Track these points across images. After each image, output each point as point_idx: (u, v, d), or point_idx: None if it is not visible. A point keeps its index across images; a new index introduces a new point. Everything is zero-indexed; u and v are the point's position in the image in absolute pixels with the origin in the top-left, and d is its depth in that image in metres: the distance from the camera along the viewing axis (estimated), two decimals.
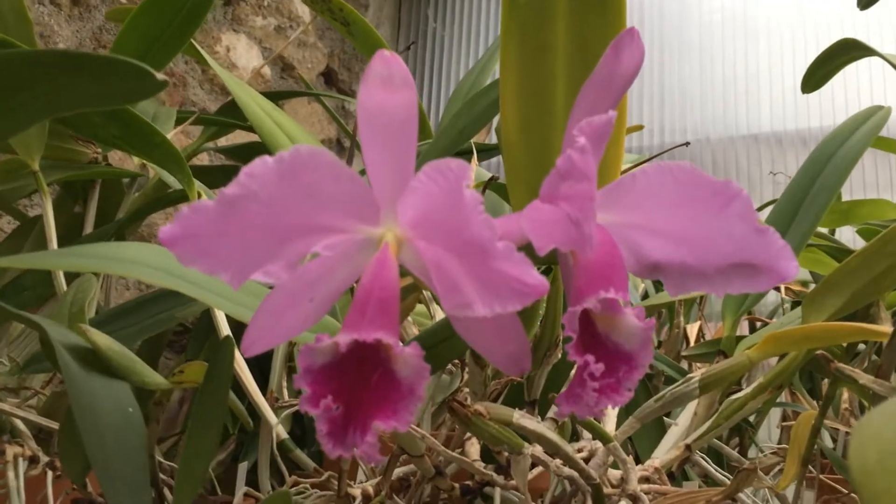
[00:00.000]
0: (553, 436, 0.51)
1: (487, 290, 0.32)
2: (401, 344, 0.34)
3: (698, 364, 1.31)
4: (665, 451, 0.65)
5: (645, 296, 1.30)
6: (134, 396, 0.54)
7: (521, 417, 0.49)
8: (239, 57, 1.71)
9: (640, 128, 1.11)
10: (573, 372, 0.37)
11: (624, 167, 0.79)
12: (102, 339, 0.51)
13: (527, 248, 0.37)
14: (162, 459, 0.83)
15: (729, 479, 0.82)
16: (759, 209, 1.50)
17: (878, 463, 0.23)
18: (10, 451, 0.61)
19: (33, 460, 0.63)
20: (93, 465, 0.44)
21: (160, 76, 0.34)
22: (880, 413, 0.26)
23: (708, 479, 0.83)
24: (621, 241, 0.40)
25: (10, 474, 0.58)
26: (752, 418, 1.15)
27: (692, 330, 1.32)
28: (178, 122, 0.88)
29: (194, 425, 0.46)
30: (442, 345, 0.55)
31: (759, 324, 1.42)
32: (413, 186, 0.35)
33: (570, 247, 0.34)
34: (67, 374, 0.45)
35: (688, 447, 0.61)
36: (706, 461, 0.83)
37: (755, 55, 1.74)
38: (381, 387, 0.35)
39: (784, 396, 1.24)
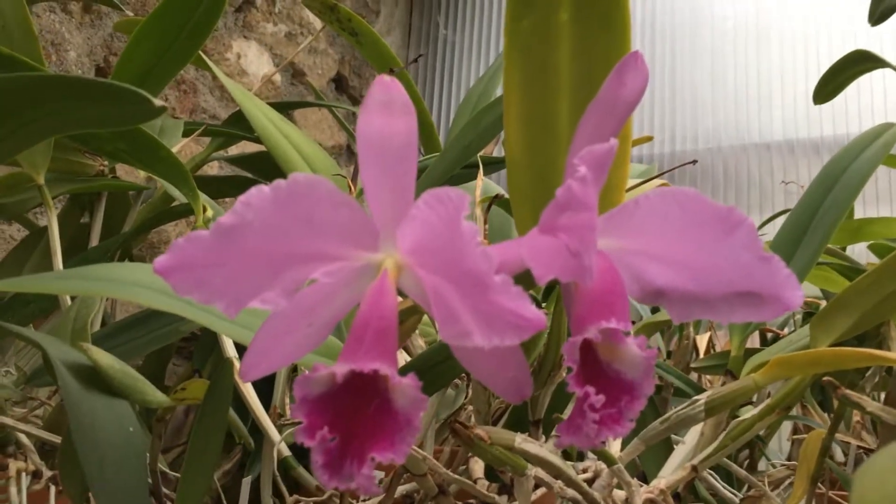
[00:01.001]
0: (556, 459, 0.50)
1: (485, 322, 0.32)
2: (397, 375, 0.34)
3: (708, 377, 1.30)
4: (671, 471, 0.65)
5: (655, 309, 1.29)
6: (136, 415, 0.54)
7: (523, 442, 0.48)
8: (249, 64, 1.71)
9: (649, 139, 1.10)
10: (573, 402, 0.37)
11: (631, 183, 0.79)
12: (104, 358, 0.51)
13: (528, 275, 0.37)
14: (167, 470, 0.83)
15: (737, 496, 0.82)
16: (771, 218, 1.48)
17: None
18: (14, 465, 0.61)
19: (36, 475, 0.63)
20: (90, 487, 0.44)
21: (158, 102, 0.34)
22: (884, 458, 0.25)
23: (716, 495, 0.82)
24: (624, 268, 0.39)
25: (13, 489, 0.58)
26: (761, 432, 1.13)
27: (702, 341, 1.31)
28: (186, 133, 0.88)
29: (195, 443, 0.46)
30: (443, 364, 0.54)
31: (769, 335, 1.41)
32: (412, 214, 0.35)
33: (570, 277, 0.34)
34: (67, 394, 0.45)
35: (694, 468, 0.60)
36: (714, 478, 0.82)
37: (767, 62, 1.73)
38: (378, 417, 0.34)
39: (795, 409, 1.23)
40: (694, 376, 1.23)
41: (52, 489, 0.64)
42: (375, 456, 0.33)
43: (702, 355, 1.27)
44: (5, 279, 0.42)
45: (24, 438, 0.67)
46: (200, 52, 0.81)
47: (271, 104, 0.94)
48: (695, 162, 0.63)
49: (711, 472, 0.79)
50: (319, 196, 0.34)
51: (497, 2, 2.17)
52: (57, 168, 0.73)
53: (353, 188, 0.62)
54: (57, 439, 0.65)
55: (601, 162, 0.35)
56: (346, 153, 1.96)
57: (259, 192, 0.33)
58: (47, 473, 0.64)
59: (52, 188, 0.70)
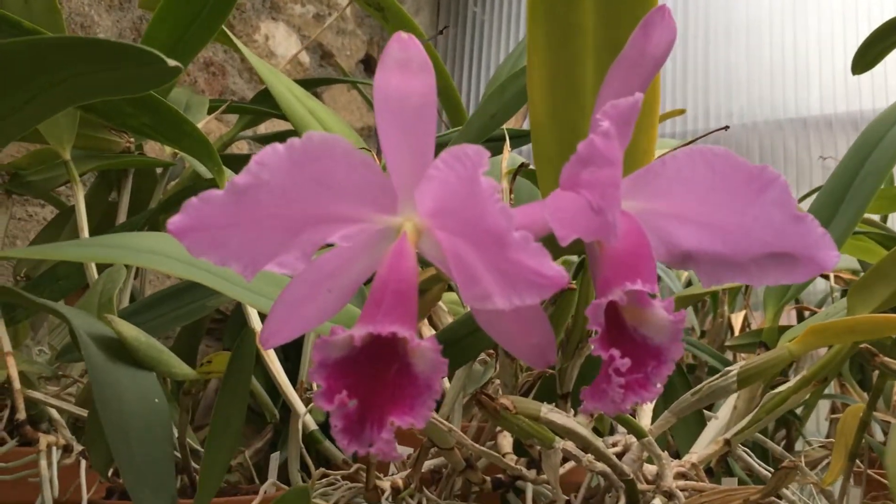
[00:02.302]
0: (583, 430, 0.49)
1: (505, 281, 0.31)
2: (417, 337, 0.33)
3: (742, 355, 1.28)
4: (704, 446, 0.63)
5: (688, 283, 1.27)
6: (161, 387, 0.54)
7: (549, 412, 0.47)
8: (278, 45, 1.71)
9: (681, 112, 1.08)
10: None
11: (661, 152, 0.77)
12: (129, 330, 0.51)
13: (551, 238, 0.35)
14: (198, 447, 0.83)
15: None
16: (809, 194, 1.45)
17: None
18: (44, 440, 0.61)
19: (66, 449, 0.63)
20: (115, 456, 0.44)
21: (171, 62, 0.33)
22: None
23: (752, 474, 0.81)
24: (651, 230, 0.38)
25: (43, 463, 0.59)
26: (799, 410, 1.11)
27: (737, 319, 1.29)
28: (212, 110, 0.87)
29: (217, 415, 0.46)
30: (470, 336, 0.54)
31: (807, 313, 1.38)
32: (430, 174, 0.34)
33: (594, 236, 0.33)
34: (91, 365, 0.45)
35: (727, 442, 0.59)
36: (749, 456, 0.81)
37: (804, 35, 1.68)
38: (397, 381, 0.34)
39: (833, 388, 1.20)
40: (729, 355, 1.21)
41: (83, 463, 0.64)
42: (395, 420, 0.32)
43: (737, 333, 1.25)
44: (29, 247, 0.42)
45: (55, 414, 0.68)
46: (227, 31, 0.81)
47: (298, 81, 0.93)
48: (727, 128, 0.61)
49: (747, 449, 0.78)
50: (335, 155, 0.33)
51: None
52: (84, 145, 0.73)
53: (377, 161, 0.61)
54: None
55: (626, 117, 0.33)
56: (376, 136, 1.96)
57: (274, 151, 0.32)
58: (77, 448, 0.64)
59: (78, 165, 0.70)
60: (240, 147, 1.43)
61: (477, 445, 0.53)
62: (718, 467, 0.64)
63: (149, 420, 0.48)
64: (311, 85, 1.14)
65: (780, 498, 0.58)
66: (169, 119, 0.65)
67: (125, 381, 0.48)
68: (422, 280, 0.46)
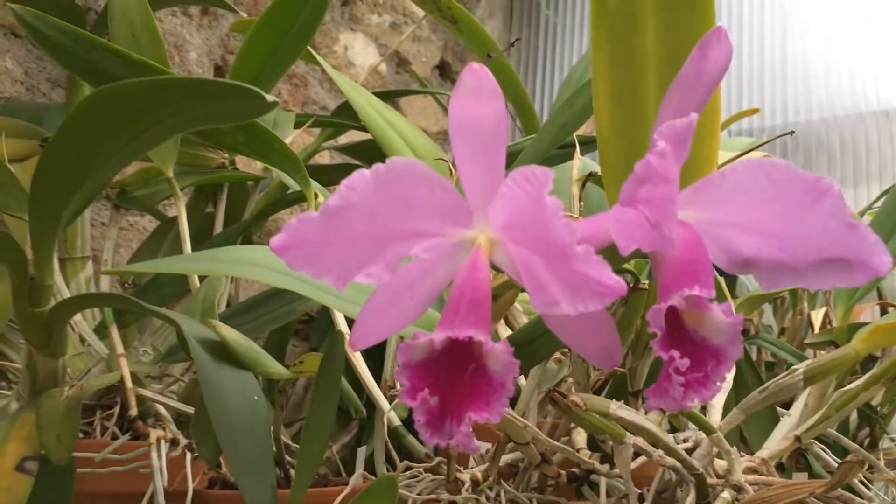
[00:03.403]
0: (652, 426, 0.52)
1: (570, 290, 0.34)
2: (491, 341, 0.36)
3: (822, 352, 1.27)
4: (776, 443, 0.65)
5: None
6: (260, 386, 0.59)
7: (618, 409, 0.50)
8: (356, 55, 1.77)
9: (755, 111, 1.08)
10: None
11: (731, 155, 0.78)
12: (230, 333, 0.56)
13: (614, 247, 0.38)
14: (290, 442, 0.89)
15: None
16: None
17: None
18: (154, 434, 0.67)
19: (174, 443, 0.69)
20: (223, 447, 0.49)
21: (270, 98, 0.37)
22: None
23: (832, 471, 0.81)
24: (711, 238, 0.41)
25: (154, 455, 0.64)
26: (883, 409, 1.10)
27: (817, 316, 1.27)
28: (298, 125, 0.93)
29: (311, 412, 0.50)
30: (542, 337, 0.57)
31: (892, 309, 1.35)
32: (502, 192, 0.37)
33: (652, 247, 0.36)
34: (199, 366, 0.50)
35: (797, 438, 0.60)
36: (826, 452, 0.81)
37: (885, 24, 1.64)
38: (474, 380, 0.37)
39: None
40: (810, 353, 1.20)
41: (188, 455, 0.70)
42: (472, 415, 0.36)
43: (816, 331, 1.24)
44: (143, 262, 0.47)
45: (162, 410, 0.74)
46: (308, 47, 0.86)
47: (376, 93, 0.98)
48: (792, 133, 0.62)
49: (825, 447, 0.78)
50: (416, 178, 0.37)
51: None
52: (183, 162, 0.79)
53: (453, 172, 0.64)
54: (190, 410, 0.71)
55: (681, 136, 0.36)
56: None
57: (361, 176, 0.36)
58: (183, 441, 0.70)
59: (179, 181, 0.76)
60: (322, 156, 1.49)
61: (551, 440, 0.56)
62: (791, 463, 0.65)
63: (249, 416, 0.53)
64: (390, 96, 1.19)
65: (858, 495, 0.59)
66: (260, 137, 0.70)
67: (227, 380, 0.53)
68: (495, 286, 0.50)
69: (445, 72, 2.05)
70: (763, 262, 0.40)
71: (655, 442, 0.53)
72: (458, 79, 0.39)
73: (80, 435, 0.80)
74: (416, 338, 0.37)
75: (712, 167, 0.50)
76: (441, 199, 0.38)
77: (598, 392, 0.74)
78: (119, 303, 0.61)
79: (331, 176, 0.98)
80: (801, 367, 0.54)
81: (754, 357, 1.18)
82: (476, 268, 0.38)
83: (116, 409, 0.80)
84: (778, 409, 0.80)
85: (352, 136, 1.31)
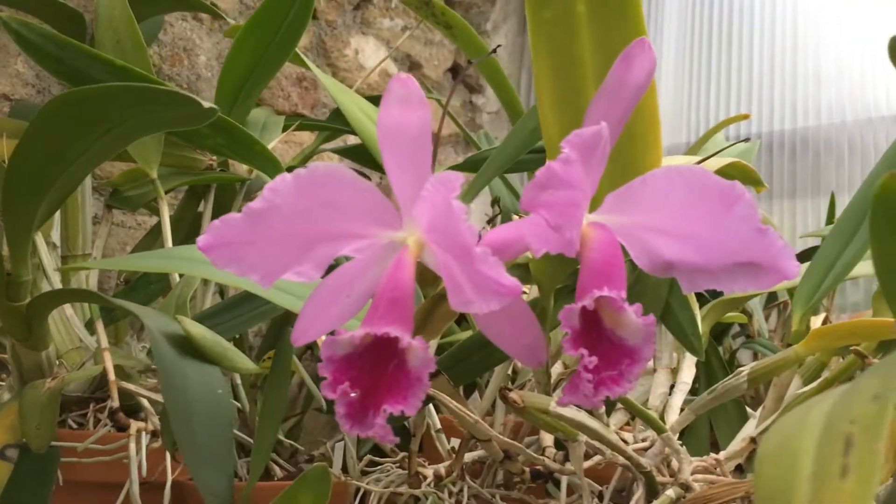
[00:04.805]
0: (595, 424, 0.53)
1: (476, 289, 0.36)
2: (408, 338, 0.38)
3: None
4: (736, 444, 0.66)
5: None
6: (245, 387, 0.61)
7: (557, 405, 0.52)
8: (367, 59, 1.79)
9: (746, 117, 1.09)
10: None
11: (725, 161, 0.79)
12: (196, 329, 0.59)
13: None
14: (283, 438, 0.91)
15: None
16: None
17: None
18: (134, 425, 0.69)
19: (155, 434, 0.71)
20: (177, 439, 0.51)
21: (206, 105, 0.40)
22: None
23: None
24: (633, 241, 0.42)
25: (132, 446, 0.67)
26: None
27: (816, 322, 1.27)
28: (286, 129, 0.95)
29: (263, 406, 0.53)
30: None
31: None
32: (422, 196, 0.39)
33: (557, 250, 0.37)
34: (159, 358, 0.53)
35: (752, 440, 0.61)
36: None
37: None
38: (394, 375, 0.39)
39: None
40: None
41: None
42: (387, 408, 0.38)
43: None
44: (108, 259, 0.49)
45: (146, 403, 0.76)
46: (298, 51, 0.88)
47: (372, 97, 1.00)
48: (748, 140, 0.63)
49: None
50: (340, 182, 0.39)
51: None
52: (172, 163, 0.82)
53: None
54: None
55: (589, 144, 0.38)
56: (463, 143, 2.01)
57: (283, 180, 0.38)
58: None
59: (166, 182, 0.79)
60: (332, 158, 1.51)
61: (500, 437, 0.57)
62: (749, 464, 0.66)
63: (211, 408, 0.55)
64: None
65: None
66: (240, 140, 0.73)
67: (191, 373, 0.56)
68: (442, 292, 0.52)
69: (458, 75, 2.07)
70: (682, 264, 0.42)
71: (599, 439, 0.54)
72: (387, 88, 0.41)
73: (74, 426, 0.84)
74: (338, 334, 0.39)
75: None
76: (367, 201, 0.40)
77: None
78: (89, 298, 0.64)
79: None
80: (745, 370, 0.55)
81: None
82: (398, 268, 0.40)
83: (109, 402, 0.83)
84: (748, 409, 0.81)
85: (355, 139, 1.33)
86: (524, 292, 0.93)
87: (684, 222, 0.41)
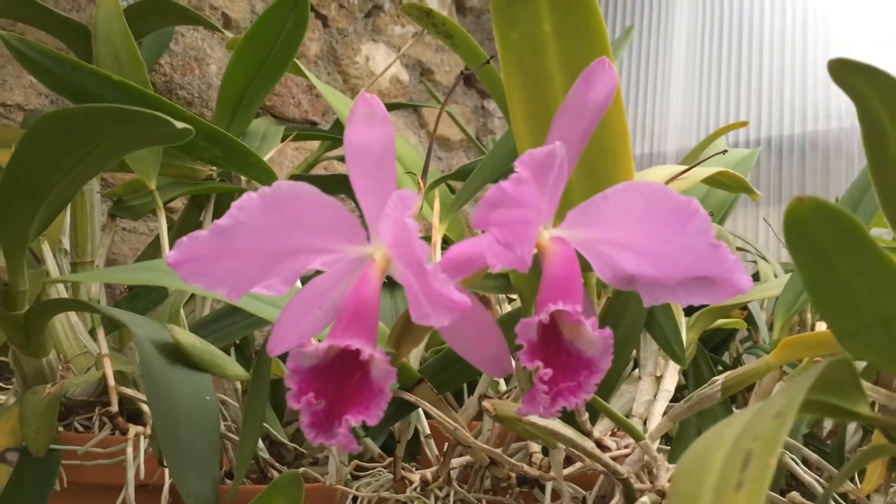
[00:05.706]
0: (568, 432, 0.54)
1: (430, 304, 0.37)
2: (371, 351, 0.39)
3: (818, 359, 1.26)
4: None
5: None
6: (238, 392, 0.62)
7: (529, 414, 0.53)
8: (377, 65, 1.81)
9: (744, 124, 1.09)
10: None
11: (714, 170, 0.80)
12: (186, 337, 0.60)
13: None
14: (286, 441, 0.93)
15: (817, 480, 0.81)
16: None
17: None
18: (133, 429, 0.71)
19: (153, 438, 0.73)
20: (161, 445, 0.53)
21: (179, 125, 0.41)
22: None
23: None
24: (595, 256, 0.43)
25: (129, 450, 0.69)
26: None
27: (819, 328, 1.27)
28: (285, 138, 0.97)
29: (246, 412, 0.54)
30: None
31: None
32: (385, 212, 0.41)
33: (510, 266, 0.38)
34: (144, 365, 0.55)
35: None
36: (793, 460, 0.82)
37: None
38: (358, 386, 0.40)
39: None
40: None
41: None
42: (349, 418, 0.39)
43: None
44: (99, 271, 0.51)
45: (144, 407, 0.79)
46: (296, 61, 0.90)
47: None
48: (725, 152, 0.64)
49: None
50: (303, 199, 0.40)
51: None
52: (173, 174, 0.84)
53: (422, 185, 0.67)
54: None
55: (542, 164, 0.39)
56: (472, 147, 2.03)
57: (249, 198, 0.39)
58: None
59: (166, 192, 0.81)
60: (326, 167, 1.54)
61: (479, 444, 0.58)
62: None
63: (198, 414, 0.57)
64: (391, 109, 1.22)
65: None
66: (236, 151, 0.75)
67: (178, 380, 0.57)
68: None
69: (469, 79, 2.08)
70: (641, 278, 0.43)
71: (574, 446, 0.55)
72: (353, 106, 0.43)
73: (80, 429, 0.86)
74: (303, 346, 0.40)
75: None
76: (331, 217, 0.41)
77: None
78: (81, 307, 0.66)
79: (329, 186, 1.03)
80: (719, 379, 0.56)
81: None
82: (363, 282, 0.41)
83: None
84: None
85: None
86: (510, 299, 0.94)
87: (642, 237, 0.42)
